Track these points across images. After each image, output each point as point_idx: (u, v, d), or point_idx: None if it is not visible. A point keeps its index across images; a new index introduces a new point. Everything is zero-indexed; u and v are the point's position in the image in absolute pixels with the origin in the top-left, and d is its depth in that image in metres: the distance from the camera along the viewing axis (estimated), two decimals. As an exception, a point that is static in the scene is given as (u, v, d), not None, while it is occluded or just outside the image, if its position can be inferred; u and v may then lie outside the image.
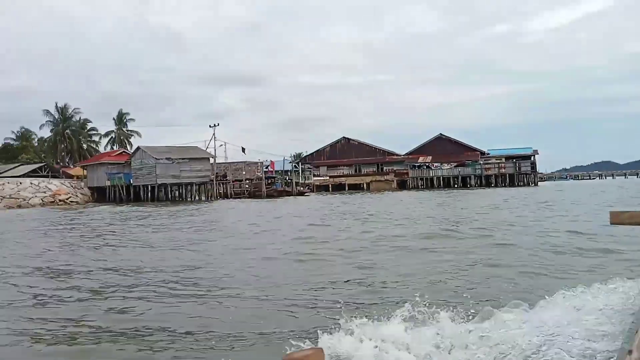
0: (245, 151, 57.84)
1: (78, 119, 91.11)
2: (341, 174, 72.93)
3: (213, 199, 44.22)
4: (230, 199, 43.08)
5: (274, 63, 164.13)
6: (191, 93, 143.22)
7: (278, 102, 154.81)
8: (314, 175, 74.64)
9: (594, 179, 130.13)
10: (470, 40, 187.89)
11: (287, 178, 57.88)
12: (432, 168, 66.44)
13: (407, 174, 67.82)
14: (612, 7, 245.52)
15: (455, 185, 64.23)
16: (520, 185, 60.84)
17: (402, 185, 67.66)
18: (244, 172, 48.54)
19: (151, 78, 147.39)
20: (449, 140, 68.13)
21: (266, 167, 57.99)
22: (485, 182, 63.19)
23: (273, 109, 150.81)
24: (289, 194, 45.98)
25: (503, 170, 62.63)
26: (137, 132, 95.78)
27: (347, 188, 71.03)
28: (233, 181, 51.25)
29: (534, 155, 64.76)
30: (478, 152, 66.01)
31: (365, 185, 70.65)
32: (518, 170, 62.11)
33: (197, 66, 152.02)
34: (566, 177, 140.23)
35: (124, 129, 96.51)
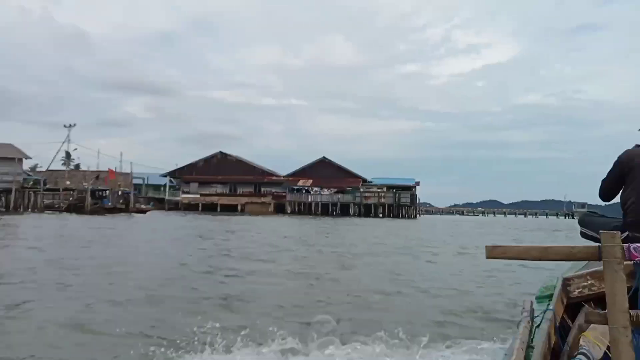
0: (121, 161, 48.40)
1: None
2: (214, 193, 65.53)
3: (19, 210, 34.77)
4: (41, 212, 33.95)
5: (186, 76, 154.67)
6: (92, 97, 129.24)
7: (186, 116, 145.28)
8: (183, 192, 66.53)
9: (477, 215, 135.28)
10: (383, 76, 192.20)
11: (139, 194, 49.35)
12: (312, 193, 61.54)
13: (285, 197, 62.26)
14: (507, 62, 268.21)
15: (334, 213, 59.71)
16: (400, 217, 57.92)
17: (280, 209, 61.93)
18: (67, 182, 39.19)
19: (48, 77, 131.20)
20: (331, 165, 63.98)
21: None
22: (365, 211, 59.47)
23: (180, 122, 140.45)
24: (121, 210, 37.67)
25: (383, 200, 59.36)
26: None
27: (219, 209, 63.76)
28: (63, 190, 41.78)
29: (415, 187, 62.53)
30: (360, 179, 62.46)
31: (240, 207, 63.89)
32: (397, 201, 59.18)
33: (102, 70, 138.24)
34: (453, 213, 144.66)
35: None
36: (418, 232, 29.87)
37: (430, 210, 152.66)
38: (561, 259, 1.76)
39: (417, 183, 64.73)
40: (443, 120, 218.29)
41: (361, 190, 60.19)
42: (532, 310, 2.54)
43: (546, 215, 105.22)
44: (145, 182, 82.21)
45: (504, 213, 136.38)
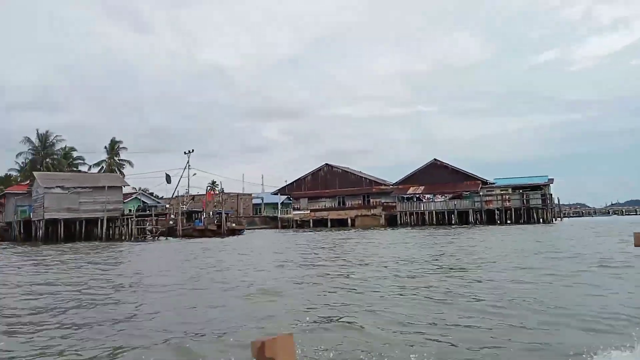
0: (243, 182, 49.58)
1: (64, 147, 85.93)
2: (323, 207, 63.41)
3: (122, 238, 35.91)
4: (134, 242, 34.44)
5: (314, 95, 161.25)
6: (235, 126, 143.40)
7: (318, 134, 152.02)
8: (294, 209, 65.63)
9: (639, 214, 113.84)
10: (515, 69, 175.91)
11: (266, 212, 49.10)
12: (424, 200, 55.84)
13: (395, 207, 57.54)
14: None
15: (452, 222, 53.20)
16: (532, 222, 49.27)
17: (392, 221, 57.40)
18: (167, 206, 39.78)
19: (197, 111, 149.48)
20: (445, 167, 57.50)
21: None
22: (487, 217, 51.96)
23: (314, 141, 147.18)
24: (215, 233, 36.89)
25: (508, 203, 51.21)
26: (128, 162, 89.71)
27: (329, 224, 61.46)
28: (156, 215, 42.49)
29: (547, 185, 53.00)
30: (479, 182, 54.96)
31: (350, 221, 60.89)
32: (525, 203, 50.53)
33: (241, 100, 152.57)
34: (609, 213, 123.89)
35: (116, 158, 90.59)
36: (553, 239, 23.27)
37: (579, 211, 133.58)
38: None
39: (551, 180, 55.02)
40: (590, 109, 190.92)
41: (481, 193, 52.74)
42: None
43: None
44: (264, 202, 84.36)
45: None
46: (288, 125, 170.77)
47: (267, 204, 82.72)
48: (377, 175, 65.07)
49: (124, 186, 40.28)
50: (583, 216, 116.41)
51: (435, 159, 58.24)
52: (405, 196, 56.92)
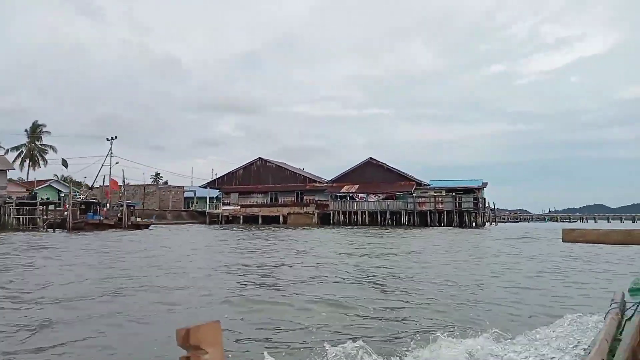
0: (192, 177, 45.09)
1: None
2: (254, 203, 60.13)
3: (7, 228, 31.25)
4: (15, 231, 29.92)
5: (271, 93, 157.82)
6: (189, 119, 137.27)
7: (273, 132, 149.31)
8: (223, 204, 61.97)
9: (574, 221, 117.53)
10: (466, 80, 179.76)
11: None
12: (357, 199, 53.72)
13: (329, 205, 55.16)
14: (605, 54, 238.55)
15: (384, 223, 51.37)
16: (463, 226, 48.12)
17: (325, 220, 54.97)
18: (81, 197, 34.62)
19: (149, 103, 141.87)
20: (380, 166, 55.65)
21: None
22: (420, 219, 50.47)
23: (268, 138, 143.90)
24: (114, 227, 32.75)
25: (440, 205, 49.86)
26: (51, 147, 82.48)
27: (260, 221, 58.29)
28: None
29: (481, 189, 52.14)
30: (413, 183, 53.41)
31: (282, 218, 57.95)
32: (458, 207, 49.34)
33: (196, 93, 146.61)
34: (545, 219, 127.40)
35: (37, 143, 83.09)
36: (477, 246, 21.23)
37: (518, 217, 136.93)
38: None
39: (484, 184, 54.19)
40: (535, 121, 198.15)
41: (414, 195, 51.16)
42: (623, 302, 2.36)
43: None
44: (197, 196, 79.85)
45: (607, 218, 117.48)
46: (242, 121, 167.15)
47: (200, 198, 78.39)
48: (331, 175, 62.28)
49: (8, 170, 35.39)
50: (520, 222, 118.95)
51: (370, 158, 56.32)
52: (338, 194, 54.61)
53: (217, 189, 62.53)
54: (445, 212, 49.47)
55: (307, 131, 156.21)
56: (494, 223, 68.29)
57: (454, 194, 50.46)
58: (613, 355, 1.79)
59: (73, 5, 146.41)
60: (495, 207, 67.53)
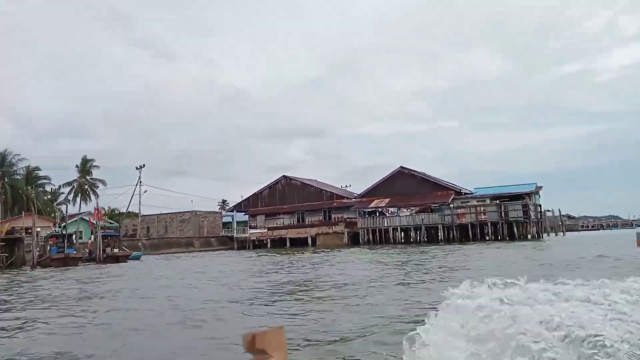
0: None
1: (27, 166, 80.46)
2: (281, 225, 55.68)
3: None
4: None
5: (336, 114, 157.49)
6: (259, 147, 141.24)
7: (342, 153, 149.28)
8: (250, 227, 58.11)
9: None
10: (538, 81, 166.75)
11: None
12: (387, 215, 47.49)
13: (357, 224, 49.39)
14: None
15: (420, 240, 44.71)
16: (513, 239, 40.27)
17: (356, 240, 49.24)
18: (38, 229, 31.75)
19: (220, 135, 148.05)
20: (412, 176, 49.11)
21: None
22: (460, 234, 43.26)
23: (337, 159, 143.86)
24: (84, 260, 29.33)
25: (483, 216, 42.36)
26: (101, 180, 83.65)
27: (288, 243, 53.69)
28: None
29: (533, 194, 43.97)
30: (451, 192, 46.30)
31: (310, 240, 52.94)
32: (503, 216, 41.56)
33: (263, 122, 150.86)
34: (633, 225, 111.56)
35: (88, 178, 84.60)
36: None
37: (604, 224, 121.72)
38: None
39: (539, 189, 45.99)
40: (620, 119, 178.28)
41: (451, 205, 44.06)
42: None
43: None
44: (236, 220, 77.01)
45: None
46: (311, 144, 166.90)
47: (240, 222, 75.48)
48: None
49: None
50: (603, 229, 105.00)
51: (401, 167, 49.98)
52: (366, 210, 48.69)
53: (243, 211, 58.89)
54: (489, 224, 41.89)
55: (374, 149, 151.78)
56: (560, 233, 58.75)
57: (497, 202, 42.77)
58: None
59: (148, 52, 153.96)
60: (561, 214, 58.04)
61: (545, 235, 55.05)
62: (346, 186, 60.83)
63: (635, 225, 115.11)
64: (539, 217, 44.86)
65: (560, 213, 60.55)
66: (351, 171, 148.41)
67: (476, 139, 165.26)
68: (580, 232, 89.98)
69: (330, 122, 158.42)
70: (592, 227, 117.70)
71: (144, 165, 64.28)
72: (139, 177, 64.83)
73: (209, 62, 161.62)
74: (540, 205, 45.75)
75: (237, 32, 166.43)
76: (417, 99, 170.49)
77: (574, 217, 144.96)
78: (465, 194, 46.68)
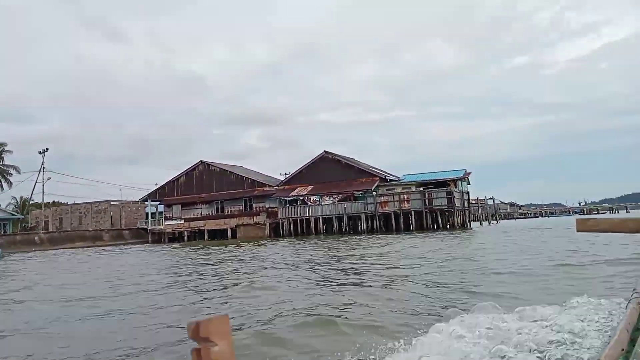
0: None
1: None
2: (199, 216, 50.98)
3: None
4: None
5: (294, 102, 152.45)
6: (215, 134, 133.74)
7: (298, 141, 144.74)
8: (166, 218, 53.05)
9: (603, 212, 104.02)
10: (490, 74, 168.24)
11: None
12: (309, 203, 43.82)
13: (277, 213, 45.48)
14: (634, 36, 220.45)
15: (343, 231, 41.35)
16: (437, 228, 37.41)
17: (278, 231, 45.32)
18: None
19: (175, 120, 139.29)
20: (337, 161, 45.58)
21: None
22: (385, 224, 40.20)
23: (293, 147, 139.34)
24: None
25: (407, 205, 39.34)
26: (14, 167, 75.28)
27: (206, 236, 49.18)
28: None
29: (460, 181, 41.40)
30: (376, 178, 43.09)
31: (230, 232, 48.65)
32: (427, 204, 38.68)
33: (221, 108, 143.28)
34: (569, 213, 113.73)
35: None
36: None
37: (543, 211, 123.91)
38: None
39: (467, 174, 43.49)
40: (565, 111, 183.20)
41: (374, 193, 40.80)
42: None
43: None
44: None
45: (625, 208, 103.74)
46: (267, 132, 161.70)
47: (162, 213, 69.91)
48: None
49: None
50: (540, 217, 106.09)
51: (325, 151, 46.32)
52: (287, 199, 44.80)
53: (157, 201, 53.71)
54: (412, 213, 38.92)
55: (331, 137, 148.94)
56: (494, 221, 57.14)
57: (422, 188, 39.85)
58: (634, 345, 1.74)
59: (99, 31, 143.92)
60: (495, 202, 56.28)
61: (478, 224, 53.10)
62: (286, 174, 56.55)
63: (573, 213, 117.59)
64: (467, 205, 42.40)
65: (494, 201, 58.93)
66: (307, 159, 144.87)
67: (432, 128, 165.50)
68: (518, 220, 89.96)
69: (287, 109, 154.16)
70: (534, 214, 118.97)
71: (47, 149, 57.82)
72: (42, 162, 58.29)
73: (163, 44, 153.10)
74: (468, 193, 43.32)
75: (194, 14, 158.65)
76: (375, 88, 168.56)
77: (517, 205, 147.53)
78: (391, 180, 43.57)
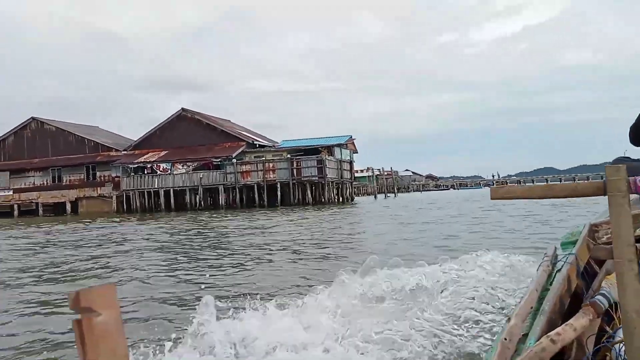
0: None
1: None
2: (31, 186, 40.93)
3: None
4: None
5: (223, 69, 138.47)
6: (136, 97, 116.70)
7: (226, 109, 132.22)
8: (-10, 188, 42.39)
9: (512, 185, 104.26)
10: (417, 50, 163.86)
11: None
12: (159, 172, 35.47)
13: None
14: (551, 20, 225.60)
15: (197, 206, 33.62)
16: (307, 203, 30.71)
17: (128, 206, 36.65)
18: None
19: (94, 83, 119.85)
20: (197, 121, 37.36)
21: None
22: (248, 198, 32.99)
23: (221, 115, 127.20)
24: None
25: (272, 175, 32.19)
26: None
27: (40, 211, 39.51)
28: None
29: (338, 148, 34.76)
30: (243, 143, 35.44)
31: (70, 206, 39.35)
32: (295, 175, 31.78)
33: (144, 72, 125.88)
34: (480, 185, 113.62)
35: None
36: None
37: (453, 184, 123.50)
38: (566, 195, 1.75)
39: (351, 141, 37.05)
40: (484, 89, 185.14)
41: (234, 161, 33.15)
42: (555, 256, 2.53)
43: (601, 177, 73.72)
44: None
45: (560, 180, 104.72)
46: (194, 99, 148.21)
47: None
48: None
49: None
50: (448, 189, 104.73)
51: (183, 109, 37.84)
52: (132, 167, 36.13)
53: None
54: (279, 185, 31.86)
55: (260, 106, 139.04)
56: (391, 194, 51.94)
57: (289, 156, 32.72)
58: (541, 304, 1.92)
59: None
60: (384, 173, 50.84)
61: (372, 198, 47.50)
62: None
63: (484, 185, 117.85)
64: (349, 176, 36.06)
65: (393, 172, 53.56)
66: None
67: (360, 101, 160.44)
68: (426, 192, 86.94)
69: (217, 76, 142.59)
70: (445, 187, 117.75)
71: None
72: None
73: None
74: (351, 162, 36.92)
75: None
76: (305, 59, 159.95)
77: (435, 178, 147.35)
78: (261, 146, 36.12)
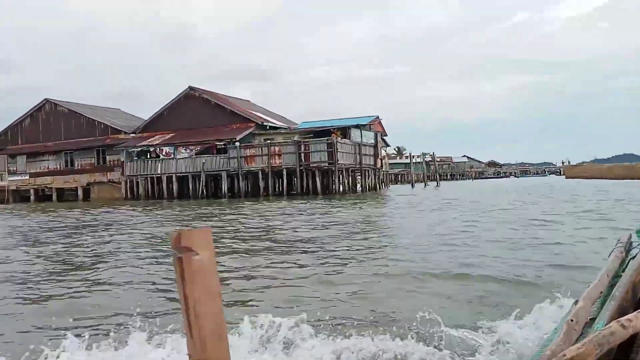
0: None
1: None
2: (46, 170, 39.71)
3: None
4: None
5: (286, 58, 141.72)
6: (204, 87, 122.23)
7: (290, 97, 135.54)
8: (9, 172, 41.75)
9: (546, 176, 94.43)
10: (488, 32, 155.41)
11: None
12: (162, 156, 32.58)
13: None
14: None
15: (199, 194, 30.47)
16: (318, 194, 26.57)
17: (136, 192, 34.36)
18: None
19: (162, 75, 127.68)
20: (205, 101, 33.98)
21: None
22: (253, 185, 29.37)
23: (285, 103, 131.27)
24: None
25: (278, 161, 28.20)
26: None
27: (54, 197, 38.29)
28: None
29: (357, 129, 30.02)
30: (252, 124, 31.64)
31: (82, 192, 37.79)
32: (304, 160, 27.58)
33: (210, 62, 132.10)
34: (546, 173, 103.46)
35: None
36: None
37: (512, 171, 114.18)
38: None
39: (375, 121, 32.20)
40: (561, 70, 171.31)
41: (237, 144, 29.42)
42: (629, 243, 2.36)
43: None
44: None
45: None
46: (258, 87, 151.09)
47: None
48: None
49: None
50: (505, 177, 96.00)
51: (190, 87, 34.58)
52: (136, 150, 33.49)
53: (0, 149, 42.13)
54: (285, 172, 27.85)
55: (324, 94, 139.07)
56: (430, 184, 46.53)
57: (296, 139, 28.46)
58: (612, 289, 1.83)
59: None
60: (425, 160, 45.29)
61: (409, 186, 42.37)
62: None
63: (548, 173, 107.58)
64: (372, 162, 31.35)
65: (424, 158, 47.76)
66: (302, 115, 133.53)
67: (429, 86, 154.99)
68: (480, 180, 79.54)
69: (279, 65, 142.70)
70: (504, 174, 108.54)
71: None
72: None
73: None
74: (375, 146, 32.11)
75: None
76: (369, 45, 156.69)
77: (499, 164, 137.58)
78: (272, 128, 32.17)
